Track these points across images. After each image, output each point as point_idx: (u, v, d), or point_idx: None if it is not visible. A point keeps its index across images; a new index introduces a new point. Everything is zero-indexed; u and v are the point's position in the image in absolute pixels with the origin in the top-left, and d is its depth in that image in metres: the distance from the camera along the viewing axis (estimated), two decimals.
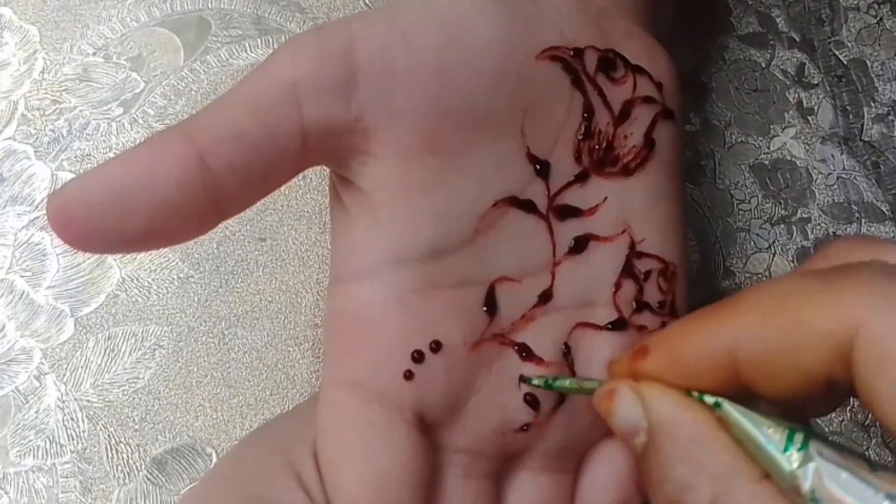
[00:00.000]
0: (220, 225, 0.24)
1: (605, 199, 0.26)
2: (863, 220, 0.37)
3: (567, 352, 0.26)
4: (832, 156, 0.37)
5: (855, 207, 0.37)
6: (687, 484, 0.21)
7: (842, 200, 0.37)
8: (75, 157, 0.36)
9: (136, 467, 0.32)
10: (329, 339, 0.26)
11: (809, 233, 0.37)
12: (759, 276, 0.36)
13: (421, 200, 0.24)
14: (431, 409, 0.24)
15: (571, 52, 0.25)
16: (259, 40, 0.37)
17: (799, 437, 0.20)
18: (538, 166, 0.25)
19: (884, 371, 0.18)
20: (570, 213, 0.26)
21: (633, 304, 0.26)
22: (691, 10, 0.37)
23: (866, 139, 0.38)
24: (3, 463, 0.32)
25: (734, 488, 0.20)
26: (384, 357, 0.24)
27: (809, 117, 0.38)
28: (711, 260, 0.36)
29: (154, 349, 0.34)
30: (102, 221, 0.22)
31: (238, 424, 0.33)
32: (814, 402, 0.21)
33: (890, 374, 0.18)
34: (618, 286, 0.26)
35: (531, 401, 0.25)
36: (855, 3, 0.39)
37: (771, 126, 0.38)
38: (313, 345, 0.34)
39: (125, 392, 0.33)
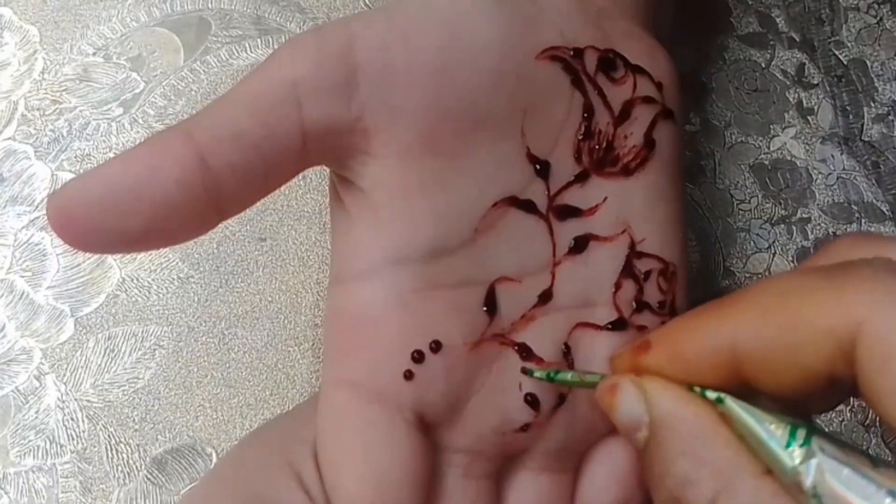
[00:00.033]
0: (220, 225, 0.24)
1: (605, 199, 0.26)
2: (863, 220, 0.37)
3: (567, 352, 0.26)
4: (832, 156, 0.37)
5: (855, 207, 0.37)
6: (689, 479, 0.21)
7: (842, 200, 0.37)
8: (75, 157, 0.36)
9: (136, 467, 0.32)
10: (329, 339, 0.26)
11: (809, 233, 0.37)
12: (759, 276, 0.36)
13: (421, 200, 0.24)
14: (431, 409, 0.24)
15: (571, 52, 0.26)
16: (259, 40, 0.37)
17: (801, 433, 0.20)
18: (538, 166, 0.25)
19: (886, 368, 0.18)
20: (570, 213, 0.26)
21: (633, 304, 0.26)
22: (691, 10, 0.37)
23: (866, 139, 0.38)
24: (3, 463, 0.32)
25: (736, 483, 0.20)
26: (384, 357, 0.24)
27: (809, 117, 0.38)
28: (711, 260, 0.36)
29: (154, 349, 0.34)
30: (102, 221, 0.22)
31: (238, 424, 0.33)
32: (815, 399, 0.21)
33: (893, 371, 0.18)
34: (618, 286, 0.26)
35: (531, 401, 0.25)
36: (855, 3, 0.39)
37: (771, 126, 0.38)
38: (313, 345, 0.34)
39: (125, 392, 0.33)
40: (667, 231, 0.27)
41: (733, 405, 0.21)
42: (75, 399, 0.33)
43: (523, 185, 0.25)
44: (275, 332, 0.34)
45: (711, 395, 0.21)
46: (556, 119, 0.26)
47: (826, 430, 0.34)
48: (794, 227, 0.37)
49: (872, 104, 0.38)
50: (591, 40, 0.26)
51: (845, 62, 0.39)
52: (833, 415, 0.34)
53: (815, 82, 0.38)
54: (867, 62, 0.39)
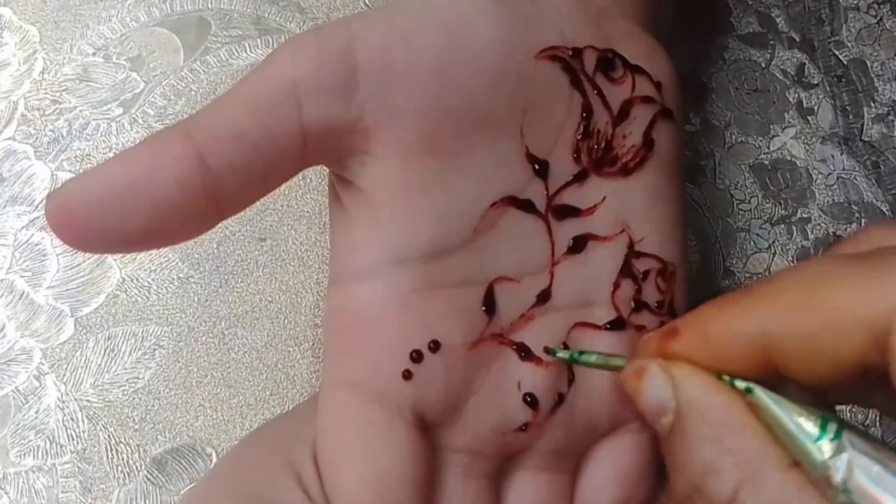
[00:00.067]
0: (220, 225, 0.24)
1: (604, 198, 0.26)
2: (863, 220, 0.37)
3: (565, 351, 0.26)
4: (832, 156, 0.37)
5: (855, 207, 0.37)
6: (712, 467, 0.20)
7: (842, 200, 0.37)
8: (75, 157, 0.36)
9: (136, 467, 0.32)
10: (329, 339, 0.26)
11: (809, 233, 0.37)
12: (759, 276, 0.36)
13: (420, 200, 0.24)
14: (431, 409, 0.25)
15: (570, 52, 0.26)
16: (259, 40, 0.37)
17: (832, 427, 0.20)
18: (537, 166, 0.25)
19: None
20: (568, 212, 0.26)
21: (632, 303, 0.26)
22: (691, 10, 0.37)
23: (866, 139, 0.38)
24: (3, 463, 0.32)
25: (761, 474, 0.20)
26: (384, 357, 0.24)
27: (809, 117, 0.38)
28: (711, 260, 0.36)
29: (154, 349, 0.34)
30: (102, 221, 0.22)
31: (238, 424, 0.33)
32: (846, 389, 0.21)
33: None
34: (616, 286, 0.26)
35: (530, 401, 0.25)
36: (855, 3, 0.39)
37: (771, 126, 0.38)
38: (313, 345, 0.34)
39: (125, 392, 0.33)
40: (666, 231, 0.27)
41: (763, 396, 0.20)
42: (75, 399, 0.33)
43: (522, 184, 0.25)
44: (275, 332, 0.34)
45: (741, 384, 0.21)
46: (555, 119, 0.26)
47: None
48: (794, 227, 0.37)
49: (872, 104, 0.38)
50: (590, 40, 0.26)
51: (845, 62, 0.39)
52: None
53: (815, 82, 0.38)
54: (867, 62, 0.39)
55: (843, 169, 0.37)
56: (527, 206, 0.25)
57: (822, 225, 0.37)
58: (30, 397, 0.33)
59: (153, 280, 0.34)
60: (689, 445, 0.21)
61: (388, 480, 0.24)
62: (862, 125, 0.38)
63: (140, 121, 0.36)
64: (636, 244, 0.27)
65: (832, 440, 0.19)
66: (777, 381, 0.21)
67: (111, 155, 0.35)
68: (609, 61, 0.26)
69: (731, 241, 0.36)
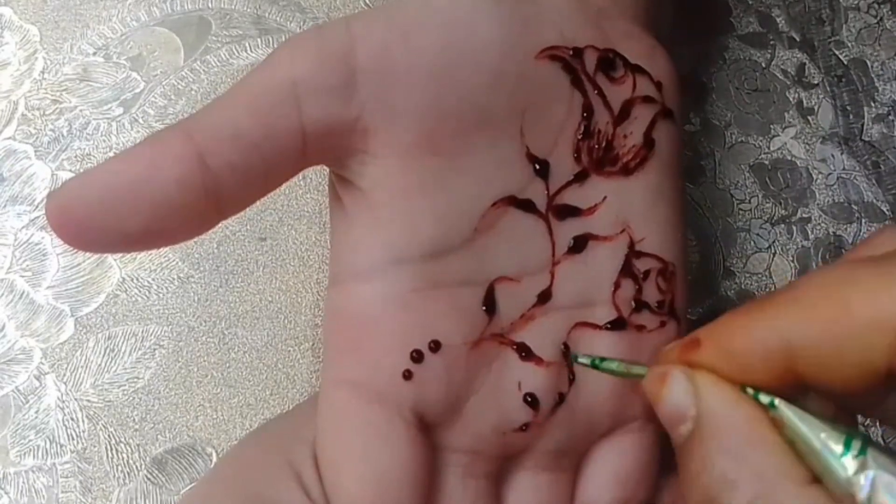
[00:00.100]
0: (220, 225, 0.24)
1: (605, 198, 0.26)
2: (863, 220, 0.37)
3: (566, 351, 0.26)
4: (832, 156, 0.37)
5: (855, 207, 0.37)
6: (728, 478, 0.20)
7: (842, 200, 0.37)
8: (75, 156, 0.36)
9: (136, 467, 0.32)
10: (329, 339, 0.26)
11: (809, 233, 0.37)
12: (759, 275, 0.36)
13: (421, 200, 0.24)
14: (431, 409, 0.24)
15: (571, 52, 0.25)
16: (259, 40, 0.37)
17: (856, 444, 0.19)
18: (537, 166, 0.25)
19: None
20: (569, 212, 0.26)
21: (632, 303, 0.26)
22: (691, 10, 0.37)
23: (866, 139, 0.38)
24: (3, 463, 0.32)
25: (778, 489, 0.20)
26: (384, 357, 0.24)
27: (809, 117, 0.38)
28: (711, 260, 0.36)
29: (154, 349, 0.34)
30: (102, 221, 0.22)
31: (238, 424, 0.33)
32: (869, 397, 0.21)
33: None
34: (617, 286, 0.26)
35: (530, 401, 0.25)
36: (855, 3, 0.39)
37: (771, 126, 0.38)
38: (313, 345, 0.34)
39: (125, 392, 0.33)
40: (666, 231, 0.27)
41: (787, 411, 0.20)
42: (75, 399, 0.33)
43: (523, 184, 0.25)
44: (275, 332, 0.34)
45: (765, 398, 0.21)
46: (555, 119, 0.26)
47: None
48: (794, 227, 0.37)
49: (872, 104, 0.38)
50: (590, 40, 0.26)
51: (845, 62, 0.39)
52: None
53: (816, 82, 0.38)
54: (867, 62, 0.39)
55: (844, 169, 0.37)
56: (527, 205, 0.25)
57: (823, 225, 0.37)
58: (30, 397, 0.33)
59: (153, 280, 0.34)
60: (707, 455, 0.21)
61: (388, 480, 0.24)
62: (862, 125, 0.38)
63: (140, 120, 0.36)
64: (637, 244, 0.27)
65: (856, 457, 0.19)
66: (800, 392, 0.21)
67: (111, 155, 0.35)
68: (610, 61, 0.26)
69: (731, 241, 0.36)
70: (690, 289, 0.28)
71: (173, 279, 0.34)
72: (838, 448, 0.19)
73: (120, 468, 0.32)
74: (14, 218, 0.35)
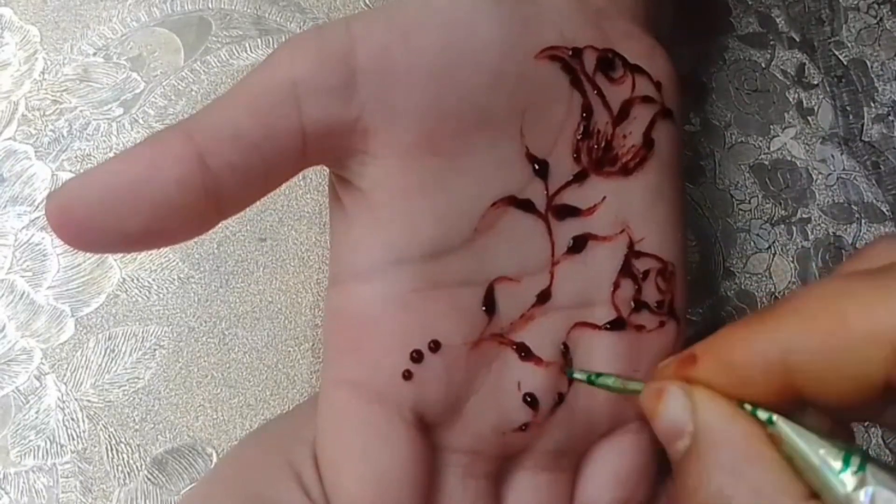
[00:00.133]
0: (220, 225, 0.24)
1: (604, 198, 0.26)
2: (863, 221, 0.37)
3: (566, 351, 0.26)
4: (832, 156, 0.37)
5: (855, 208, 0.37)
6: (725, 494, 0.20)
7: (842, 201, 0.37)
8: (75, 157, 0.36)
9: (137, 467, 0.32)
10: (329, 339, 0.26)
11: (809, 233, 0.37)
12: (759, 276, 0.36)
13: (420, 200, 0.24)
14: (431, 409, 0.25)
15: (570, 52, 0.26)
16: (259, 40, 0.37)
17: (855, 460, 0.19)
18: (537, 166, 0.25)
19: None
20: (568, 212, 0.26)
21: (632, 303, 0.26)
22: (691, 10, 0.37)
23: (866, 139, 0.38)
24: (3, 463, 0.32)
25: None
26: (383, 357, 0.24)
27: (809, 117, 0.38)
28: (711, 260, 0.36)
29: (154, 349, 0.34)
30: (102, 221, 0.22)
31: (238, 424, 0.33)
32: (865, 410, 0.21)
33: None
34: (616, 286, 0.26)
35: (530, 401, 0.25)
36: (855, 3, 0.39)
37: (771, 126, 0.38)
38: (313, 345, 0.34)
39: (125, 392, 0.33)
40: (666, 231, 0.27)
41: (785, 427, 0.20)
42: (75, 399, 0.33)
43: (522, 184, 0.25)
44: (275, 332, 0.34)
45: (763, 415, 0.21)
46: (555, 119, 0.26)
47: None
48: (794, 228, 0.37)
49: (872, 104, 0.38)
50: (590, 40, 0.26)
51: (845, 62, 0.39)
52: None
53: (815, 82, 0.38)
54: (867, 62, 0.39)
55: (843, 169, 0.37)
56: (527, 205, 0.25)
57: (822, 225, 0.37)
58: (30, 397, 0.33)
59: (153, 280, 0.34)
60: (704, 471, 0.21)
61: (388, 480, 0.24)
62: (862, 125, 0.38)
63: (140, 121, 0.36)
64: (636, 244, 0.27)
65: (855, 473, 0.19)
66: (797, 407, 0.21)
67: (111, 155, 0.35)
68: (609, 61, 0.26)
69: (731, 241, 0.36)
70: (690, 289, 0.28)
71: (173, 279, 0.34)
72: (837, 464, 0.19)
73: (120, 468, 0.32)
74: (14, 218, 0.35)
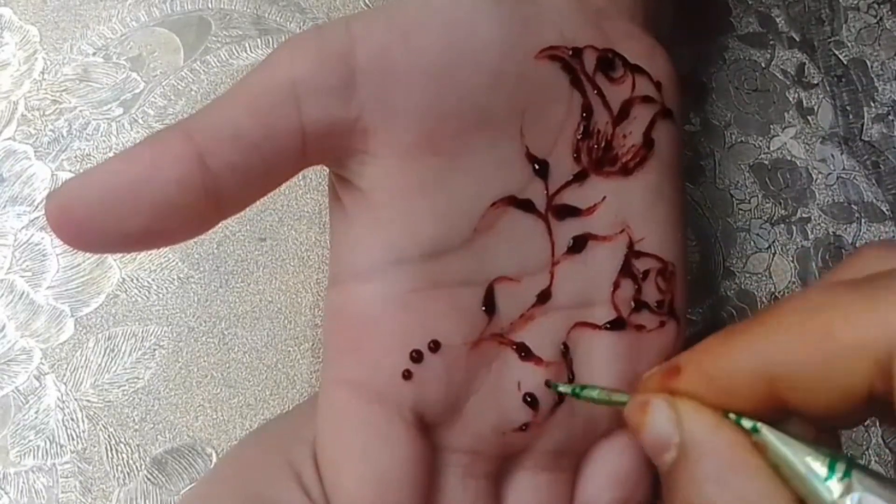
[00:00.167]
0: (220, 225, 0.24)
1: (604, 198, 0.26)
2: (863, 220, 0.37)
3: (566, 351, 0.26)
4: (832, 156, 0.37)
5: (855, 207, 0.37)
6: None
7: (842, 200, 0.37)
8: (75, 157, 0.36)
9: (136, 467, 0.32)
10: (329, 339, 0.26)
11: (809, 233, 0.37)
12: (759, 275, 0.36)
13: (420, 200, 0.24)
14: (431, 409, 0.25)
15: (570, 52, 0.26)
16: (259, 40, 0.37)
17: (841, 467, 0.19)
18: (537, 166, 0.25)
19: None
20: (568, 212, 0.26)
21: (632, 303, 0.26)
22: (691, 10, 0.37)
23: (866, 139, 0.38)
24: (3, 463, 0.32)
25: None
26: (383, 357, 0.24)
27: (809, 117, 0.38)
28: (711, 260, 0.36)
29: (154, 349, 0.34)
30: (102, 221, 0.22)
31: (238, 424, 0.33)
32: (849, 419, 0.21)
33: None
34: (616, 286, 0.26)
35: (530, 401, 0.25)
36: (855, 2, 0.39)
37: (771, 126, 0.38)
38: (313, 345, 0.34)
39: (125, 392, 0.33)
40: (666, 230, 0.27)
41: (770, 435, 0.20)
42: (75, 399, 0.33)
43: (522, 184, 0.25)
44: (275, 332, 0.34)
45: (747, 423, 0.21)
46: (555, 119, 0.26)
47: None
48: (794, 227, 0.37)
49: (872, 104, 0.38)
50: (590, 40, 0.26)
51: (845, 62, 0.39)
52: None
53: (815, 82, 0.38)
54: (867, 62, 0.39)
55: (843, 169, 0.37)
56: (527, 205, 0.25)
57: (822, 225, 0.37)
58: (30, 397, 0.33)
59: (153, 280, 0.34)
60: (692, 483, 0.21)
61: (388, 480, 0.24)
62: (862, 125, 0.38)
63: (140, 121, 0.36)
64: (636, 244, 0.27)
65: (841, 479, 0.19)
66: (782, 416, 0.21)
67: (111, 155, 0.35)
68: (609, 61, 0.26)
69: (731, 241, 0.36)
70: (690, 289, 0.28)
71: (173, 279, 0.34)
72: (823, 471, 0.19)
73: (120, 468, 0.32)
74: (14, 218, 0.35)
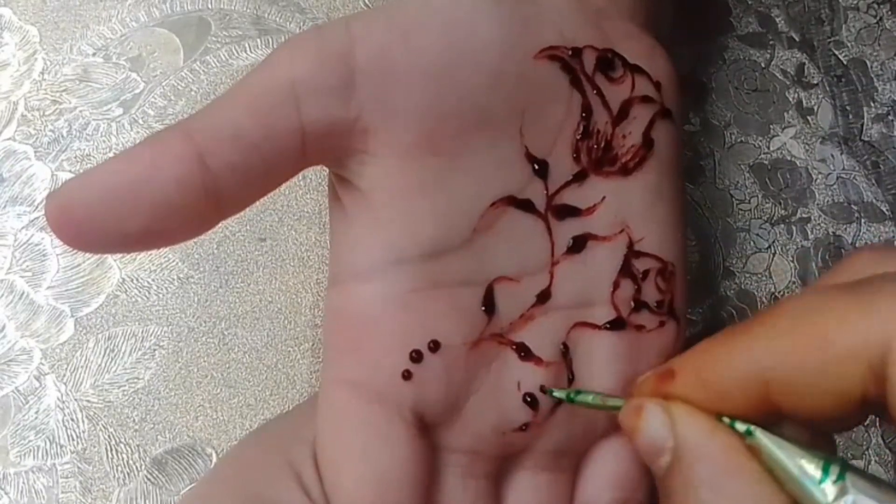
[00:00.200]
0: (220, 225, 0.24)
1: (604, 198, 0.26)
2: (863, 220, 0.37)
3: (565, 351, 0.26)
4: (832, 156, 0.37)
5: (855, 207, 0.37)
6: None
7: (842, 200, 0.37)
8: (75, 157, 0.36)
9: (136, 467, 0.32)
10: (329, 339, 0.26)
11: (809, 233, 0.37)
12: (759, 275, 0.36)
13: (420, 200, 0.24)
14: (431, 409, 0.25)
15: (570, 52, 0.26)
16: (259, 40, 0.37)
17: (835, 469, 0.19)
18: (536, 166, 0.25)
19: None
20: (568, 212, 0.26)
21: (632, 303, 0.26)
22: (691, 10, 0.37)
23: (866, 139, 0.38)
24: (3, 463, 0.32)
25: None
26: (383, 357, 0.24)
27: (809, 117, 0.38)
28: (711, 260, 0.36)
29: (154, 349, 0.34)
30: (102, 221, 0.22)
31: (238, 424, 0.33)
32: (843, 422, 0.21)
33: None
34: (616, 285, 0.26)
35: (530, 401, 0.25)
36: (855, 3, 0.39)
37: (771, 126, 0.38)
38: (313, 345, 0.34)
39: (125, 392, 0.33)
40: (665, 230, 0.27)
41: (764, 438, 0.20)
42: (75, 399, 0.33)
43: (522, 184, 0.25)
44: (275, 332, 0.34)
45: (741, 427, 0.21)
46: (554, 119, 0.26)
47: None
48: (793, 227, 0.37)
49: (872, 104, 0.38)
50: (590, 40, 0.26)
51: (845, 62, 0.39)
52: None
53: (815, 82, 0.38)
54: (867, 62, 0.39)
55: (843, 169, 0.37)
56: (526, 205, 0.25)
57: (822, 225, 0.37)
58: (30, 397, 0.33)
59: (153, 280, 0.34)
60: (686, 487, 0.21)
61: (388, 480, 0.24)
62: (862, 125, 0.38)
63: (140, 121, 0.36)
64: (636, 244, 0.27)
65: (835, 482, 0.19)
66: (776, 419, 0.21)
67: (111, 155, 0.35)
68: (608, 61, 0.26)
69: (731, 241, 0.36)
70: (690, 289, 0.28)
71: (173, 280, 0.34)
72: (817, 474, 0.20)
73: (120, 468, 0.32)
74: (14, 218, 0.35)
